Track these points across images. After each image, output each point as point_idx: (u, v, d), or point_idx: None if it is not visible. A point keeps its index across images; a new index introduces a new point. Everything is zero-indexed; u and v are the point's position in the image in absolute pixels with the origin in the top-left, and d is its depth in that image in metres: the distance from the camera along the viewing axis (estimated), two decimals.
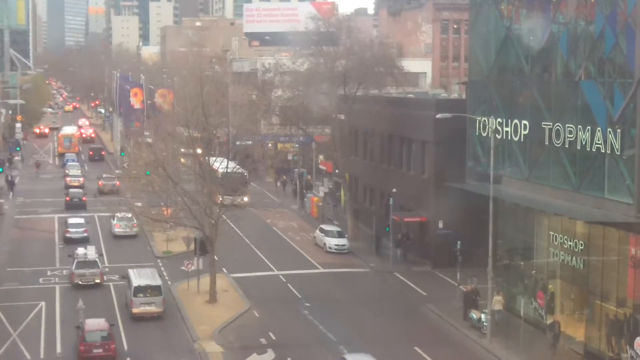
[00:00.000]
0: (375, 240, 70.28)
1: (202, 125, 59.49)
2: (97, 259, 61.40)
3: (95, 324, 47.24)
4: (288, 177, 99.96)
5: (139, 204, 62.61)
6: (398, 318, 53.85)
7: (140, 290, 53.01)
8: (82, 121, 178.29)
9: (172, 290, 58.84)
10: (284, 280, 62.63)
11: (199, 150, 59.62)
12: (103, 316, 49.67)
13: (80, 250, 62.48)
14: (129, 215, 71.11)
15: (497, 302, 51.66)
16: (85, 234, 73.21)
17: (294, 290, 59.82)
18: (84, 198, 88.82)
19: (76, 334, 47.73)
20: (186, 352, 47.51)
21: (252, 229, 75.70)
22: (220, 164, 65.44)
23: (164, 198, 60.68)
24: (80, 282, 59.46)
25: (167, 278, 61.91)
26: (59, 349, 47.63)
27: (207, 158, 61.83)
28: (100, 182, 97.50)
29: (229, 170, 66.32)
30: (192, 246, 59.57)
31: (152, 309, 52.71)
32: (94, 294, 57.70)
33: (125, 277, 56.44)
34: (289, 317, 53.91)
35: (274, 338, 49.79)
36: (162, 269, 64.58)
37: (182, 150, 60.80)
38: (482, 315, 50.35)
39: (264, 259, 68.80)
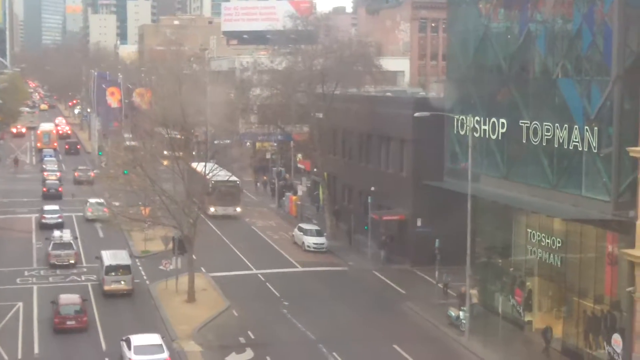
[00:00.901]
0: (349, 235, 71.44)
1: (180, 125, 59.30)
2: (72, 241, 66.24)
3: (69, 299, 51.72)
4: (268, 177, 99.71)
5: (117, 204, 62.37)
6: (377, 316, 53.90)
7: (112, 269, 57.41)
8: (59, 119, 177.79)
9: (150, 289, 58.69)
10: (263, 279, 62.57)
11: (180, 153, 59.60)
12: (77, 292, 53.60)
13: (56, 233, 67.72)
14: (101, 200, 76.97)
15: (474, 296, 52.52)
16: (59, 220, 77.91)
17: (272, 289, 59.76)
18: (60, 189, 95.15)
19: (51, 308, 51.47)
20: None
21: (231, 228, 75.61)
22: (209, 171, 65.18)
23: (142, 197, 60.50)
24: (56, 262, 64.08)
25: (145, 278, 61.73)
26: (36, 350, 47.43)
27: (195, 164, 62.08)
28: (76, 173, 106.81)
29: (221, 179, 67.41)
30: (170, 245, 59.41)
31: (122, 286, 57.06)
32: (70, 273, 62.72)
33: (98, 258, 60.17)
34: (268, 316, 53.86)
35: (252, 337, 49.73)
36: (141, 268, 64.37)
37: (165, 152, 60.69)
38: (461, 313, 50.48)
39: (243, 258, 68.70)
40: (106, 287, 57.01)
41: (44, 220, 77.83)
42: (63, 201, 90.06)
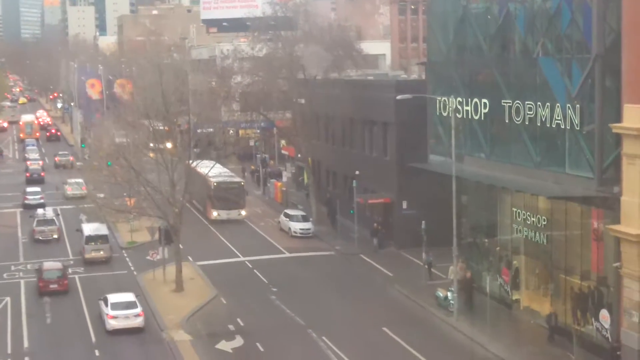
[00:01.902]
0: (331, 216, 72.33)
1: (163, 115, 59.16)
2: (54, 218, 73.51)
3: (51, 265, 58.15)
4: (255, 165, 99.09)
5: (102, 195, 62.28)
6: (365, 299, 54.03)
7: (91, 239, 63.84)
8: (40, 112, 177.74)
9: (138, 280, 58.68)
10: (250, 266, 62.61)
11: (168, 145, 59.59)
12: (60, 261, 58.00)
13: (40, 211, 75.27)
14: (80, 180, 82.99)
15: (452, 272, 52.78)
16: (41, 200, 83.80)
17: (260, 276, 59.83)
18: (42, 174, 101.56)
19: (36, 275, 57.44)
20: (154, 341, 47.40)
21: None
22: (212, 172, 65.06)
23: (126, 189, 60.40)
24: (40, 238, 70.57)
25: (132, 269, 61.71)
26: (26, 344, 47.39)
27: (194, 164, 62.13)
28: (56, 158, 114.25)
29: (223, 180, 68.34)
30: (156, 236, 59.39)
31: (100, 254, 63.33)
32: (53, 246, 69.25)
33: (79, 230, 66.40)
34: (256, 303, 53.92)
35: (242, 324, 49.81)
36: (128, 259, 64.35)
37: (151, 145, 60.70)
38: (449, 294, 50.65)
39: (230, 245, 68.71)
40: (86, 255, 63.40)
41: (26, 201, 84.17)
42: (46, 185, 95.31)
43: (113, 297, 49.77)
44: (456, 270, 50.95)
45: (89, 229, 64.84)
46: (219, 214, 75.28)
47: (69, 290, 55.99)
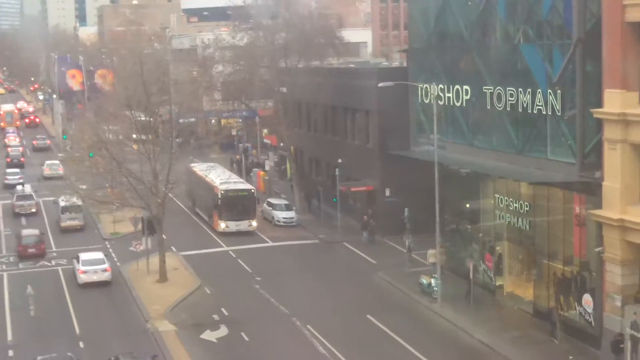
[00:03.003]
0: (307, 200, 73.50)
1: (144, 105, 58.96)
2: (32, 193, 79.51)
3: (29, 232, 64.76)
4: (241, 155, 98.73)
5: (84, 187, 62.08)
6: (349, 287, 54.10)
7: (66, 209, 70.27)
8: (21, 103, 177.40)
9: (122, 271, 58.57)
10: (234, 255, 62.59)
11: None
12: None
13: (19, 187, 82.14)
14: (57, 161, 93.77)
15: (431, 255, 53.61)
16: (20, 180, 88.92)
17: (244, 265, 59.83)
18: (22, 159, 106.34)
19: (15, 240, 64.12)
20: (139, 332, 47.36)
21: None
22: (219, 178, 64.13)
23: (109, 179, 60.22)
24: (19, 212, 76.49)
25: (116, 260, 61.57)
26: (10, 337, 47.25)
27: (199, 170, 63.20)
28: (34, 142, 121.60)
29: (232, 187, 65.81)
30: (139, 226, 59.26)
31: (75, 222, 69.94)
32: (32, 218, 75.14)
33: (56, 202, 72.70)
34: (240, 293, 53.93)
35: (226, 314, 49.81)
36: (111, 250, 64.20)
37: (134, 136, 60.63)
38: (432, 281, 50.76)
39: (213, 235, 68.65)
40: (62, 224, 70.64)
41: (6, 181, 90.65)
42: (26, 169, 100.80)
43: (84, 255, 56.69)
44: (437, 254, 51.14)
45: (65, 200, 69.43)
46: (227, 226, 67.52)
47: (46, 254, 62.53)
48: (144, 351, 42.01)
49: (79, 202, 68.35)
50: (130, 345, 45.11)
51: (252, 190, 68.89)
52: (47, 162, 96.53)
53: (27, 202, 77.24)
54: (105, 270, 55.53)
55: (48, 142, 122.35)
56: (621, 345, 37.74)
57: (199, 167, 73.94)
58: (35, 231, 65.18)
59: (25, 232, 65.12)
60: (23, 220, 74.47)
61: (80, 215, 70.25)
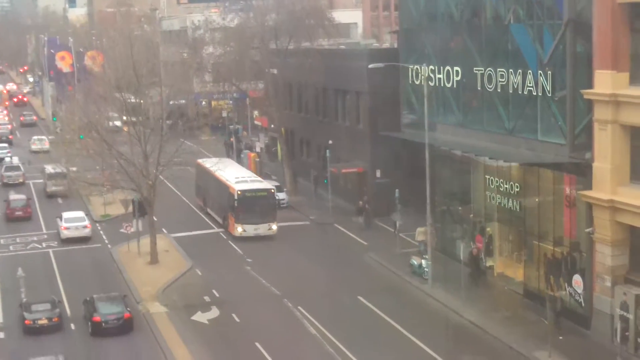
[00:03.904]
0: (294, 180, 73.43)
1: (134, 87, 58.79)
2: (20, 165, 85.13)
3: (17, 197, 70.90)
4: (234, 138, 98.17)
5: (74, 169, 61.97)
6: (340, 269, 54.16)
7: (52, 176, 75.71)
8: (10, 85, 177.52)
9: (112, 253, 58.56)
10: (225, 237, 62.59)
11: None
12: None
13: (7, 159, 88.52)
14: (43, 137, 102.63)
15: (420, 233, 54.04)
16: (9, 154, 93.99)
17: (235, 247, 59.84)
18: (10, 137, 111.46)
19: (4, 205, 69.67)
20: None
21: (190, 188, 75.24)
22: (234, 176, 61.95)
23: (99, 161, 60.12)
24: (8, 182, 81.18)
25: (107, 242, 61.56)
26: (0, 319, 47.21)
27: (213, 168, 63.47)
28: (21, 117, 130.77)
29: (250, 187, 61.38)
30: (130, 208, 59.20)
31: (60, 188, 73.89)
32: (20, 188, 79.38)
33: (42, 172, 78.46)
34: (231, 274, 53.98)
35: (217, 295, 49.86)
36: (102, 232, 64.17)
37: (124, 118, 60.54)
38: (423, 262, 50.86)
39: (204, 217, 68.63)
40: (48, 190, 76.25)
41: None
42: (14, 145, 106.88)
43: (66, 214, 62.95)
44: (428, 232, 51.27)
45: (50, 168, 77.02)
46: (244, 230, 60.97)
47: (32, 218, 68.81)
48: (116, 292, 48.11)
49: (64, 170, 71.91)
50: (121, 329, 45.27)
51: (272, 190, 62.62)
52: (34, 137, 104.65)
53: (15, 173, 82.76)
54: (85, 227, 61.80)
55: (34, 118, 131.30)
56: (626, 334, 37.59)
57: (209, 163, 69.73)
58: (22, 196, 71.26)
59: (13, 197, 70.78)
60: (12, 190, 77.42)
61: (64, 182, 73.58)
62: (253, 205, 60.67)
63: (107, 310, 44.26)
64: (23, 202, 69.73)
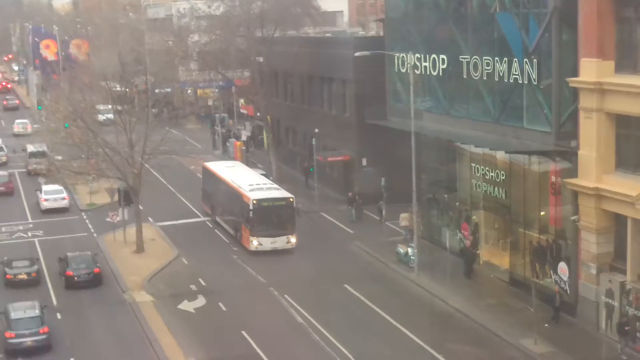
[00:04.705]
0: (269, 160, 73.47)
1: (120, 75, 58.62)
2: (3, 146, 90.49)
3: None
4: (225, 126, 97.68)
5: (60, 157, 61.79)
6: (327, 257, 54.20)
7: (33, 155, 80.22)
8: None
9: (98, 242, 58.45)
10: (211, 226, 62.54)
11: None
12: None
13: None
14: (25, 120, 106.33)
15: (403, 219, 54.68)
16: None
17: (221, 236, 59.81)
18: None
19: None
20: (116, 303, 47.33)
21: (176, 177, 75.24)
22: (248, 183, 57.40)
23: (84, 150, 59.95)
24: None
25: (92, 231, 61.45)
26: None
27: (224, 174, 60.83)
28: (4, 102, 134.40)
29: (267, 197, 55.33)
30: (116, 197, 59.07)
31: (40, 166, 74.75)
32: (2, 167, 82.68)
33: (24, 150, 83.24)
34: (217, 263, 53.95)
35: (203, 284, 49.85)
36: (87, 221, 64.04)
37: (110, 106, 60.36)
38: (409, 250, 50.94)
39: (190, 206, 68.52)
40: (29, 167, 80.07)
41: None
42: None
43: (45, 187, 67.57)
44: (414, 219, 51.36)
45: (32, 147, 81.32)
46: (260, 243, 54.95)
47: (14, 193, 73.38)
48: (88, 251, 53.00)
49: (45, 149, 75.75)
50: (107, 316, 45.26)
51: (291, 199, 56.01)
52: (17, 120, 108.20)
53: None
54: (63, 198, 67.06)
55: (17, 102, 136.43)
56: (626, 328, 37.44)
57: (218, 167, 65.10)
58: (5, 173, 76.49)
59: None
60: None
61: (44, 160, 75.21)
62: (270, 216, 54.90)
63: (79, 266, 49.90)
64: (5, 178, 74.42)
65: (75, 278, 49.33)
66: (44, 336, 40.89)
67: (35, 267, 50.82)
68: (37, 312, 41.87)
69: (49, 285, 50.50)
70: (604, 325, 39.36)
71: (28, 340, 40.54)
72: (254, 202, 54.40)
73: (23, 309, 42.13)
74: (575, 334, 40.45)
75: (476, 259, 49.68)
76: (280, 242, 55.12)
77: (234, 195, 57.59)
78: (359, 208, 62.41)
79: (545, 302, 42.13)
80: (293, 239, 55.57)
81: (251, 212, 54.35)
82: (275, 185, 59.01)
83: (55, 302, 47.69)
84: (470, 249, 49.82)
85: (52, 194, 66.84)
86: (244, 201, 55.59)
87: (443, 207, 54.34)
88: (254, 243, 54.71)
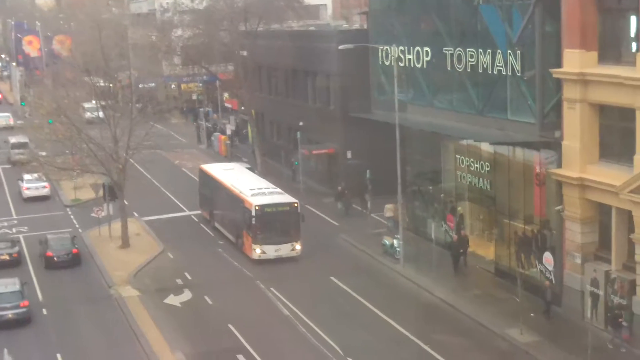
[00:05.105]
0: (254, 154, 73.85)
1: (103, 70, 58.47)
2: None
3: None
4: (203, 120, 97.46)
5: (44, 154, 61.60)
6: (312, 249, 54.13)
7: (16, 145, 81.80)
8: None
9: (84, 237, 58.34)
10: (196, 220, 62.51)
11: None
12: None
13: None
14: (7, 114, 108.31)
15: (388, 209, 55.01)
16: None
17: (206, 230, 59.79)
18: None
19: None
20: (102, 298, 47.27)
21: (161, 172, 75.20)
22: (250, 188, 54.25)
23: (69, 146, 59.78)
24: None
25: (77, 226, 61.33)
26: None
27: (222, 177, 58.01)
28: None
29: (270, 202, 52.22)
30: (100, 192, 58.97)
31: (23, 157, 73.71)
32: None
33: (6, 142, 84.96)
34: (203, 257, 53.94)
35: (189, 278, 49.84)
36: (72, 217, 63.89)
37: (93, 102, 60.23)
38: (395, 242, 51.04)
39: (175, 200, 68.48)
40: (12, 158, 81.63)
41: None
42: None
43: (27, 176, 69.55)
44: (399, 210, 51.52)
45: (15, 138, 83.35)
46: (263, 252, 51.86)
47: None
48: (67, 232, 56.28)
49: (27, 140, 76.28)
50: (94, 312, 45.19)
51: (295, 204, 52.60)
52: (1, 114, 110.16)
53: None
54: (44, 187, 69.73)
55: (0, 96, 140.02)
56: (620, 320, 37.37)
57: (216, 170, 61.77)
58: None
59: None
60: None
61: (27, 151, 74.37)
62: (273, 223, 51.77)
63: (58, 247, 52.68)
64: None
65: (55, 258, 52.18)
66: (24, 309, 43.38)
67: (17, 249, 53.54)
68: (17, 287, 44.38)
69: (30, 266, 52.98)
70: (589, 314, 39.58)
71: (9, 313, 43.03)
72: (256, 207, 51.36)
73: (4, 285, 44.72)
74: (561, 323, 40.61)
75: (465, 253, 49.09)
76: (284, 250, 52.09)
77: (235, 200, 54.44)
78: (348, 202, 62.36)
79: (531, 292, 42.33)
80: (298, 246, 52.43)
81: (253, 219, 51.28)
82: (278, 190, 55.24)
83: (40, 298, 47.55)
84: (457, 243, 49.33)
85: (33, 183, 69.45)
86: (245, 207, 52.44)
87: (428, 199, 54.46)
88: (257, 251, 51.75)
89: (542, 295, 41.64)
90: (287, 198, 53.40)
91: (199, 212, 63.50)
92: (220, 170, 60.82)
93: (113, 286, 48.80)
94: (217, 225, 59.03)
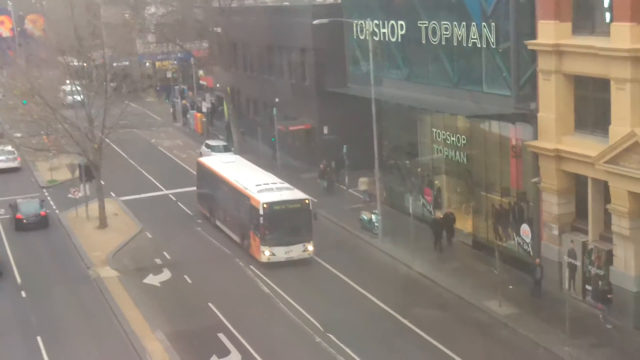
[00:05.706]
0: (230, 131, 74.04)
1: (76, 49, 58.05)
2: None
3: None
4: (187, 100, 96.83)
5: (19, 135, 61.21)
6: None
7: None
8: None
9: (61, 219, 58.10)
10: (174, 199, 62.37)
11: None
12: None
13: None
14: None
15: (362, 183, 55.94)
16: None
17: (185, 209, 59.66)
18: None
19: None
20: (81, 279, 47.12)
21: (137, 151, 74.86)
22: (256, 183, 49.60)
23: (43, 127, 59.39)
24: None
25: (54, 207, 61.06)
26: None
27: (225, 172, 53.05)
28: None
29: (280, 199, 47.57)
30: (77, 173, 58.68)
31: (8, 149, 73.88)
32: None
33: None
34: (182, 236, 53.84)
35: (168, 257, 49.76)
36: (49, 198, 63.57)
37: (67, 82, 59.86)
38: (373, 216, 51.11)
39: (152, 179, 68.26)
40: None
41: None
42: None
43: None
44: (377, 184, 51.59)
45: None
46: (272, 253, 47.34)
47: None
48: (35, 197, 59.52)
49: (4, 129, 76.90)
50: (73, 293, 45.07)
51: (307, 201, 47.98)
52: None
53: None
54: (15, 159, 72.37)
55: None
56: (609, 296, 37.20)
57: (215, 163, 57.14)
58: None
59: None
60: None
61: (3, 140, 77.30)
62: (283, 222, 47.34)
63: (28, 210, 55.86)
64: None
65: (24, 221, 55.44)
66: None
67: None
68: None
69: (1, 229, 56.09)
70: (567, 285, 39.82)
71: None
72: (265, 205, 46.87)
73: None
74: (539, 294, 40.83)
75: (452, 231, 48.55)
76: (295, 251, 47.58)
77: (239, 197, 50.16)
78: (330, 180, 62.13)
79: (509, 264, 42.56)
80: (310, 247, 47.87)
81: (261, 218, 46.81)
82: (287, 185, 50.24)
83: (19, 280, 47.37)
84: (442, 221, 48.60)
85: (4, 154, 72.67)
86: (251, 205, 48.08)
87: (405, 173, 54.52)
88: (266, 253, 47.24)
89: (532, 273, 40.90)
90: (297, 194, 48.74)
91: (177, 190, 63.28)
92: (220, 164, 56.42)
93: (91, 267, 48.64)
94: (218, 224, 54.68)
